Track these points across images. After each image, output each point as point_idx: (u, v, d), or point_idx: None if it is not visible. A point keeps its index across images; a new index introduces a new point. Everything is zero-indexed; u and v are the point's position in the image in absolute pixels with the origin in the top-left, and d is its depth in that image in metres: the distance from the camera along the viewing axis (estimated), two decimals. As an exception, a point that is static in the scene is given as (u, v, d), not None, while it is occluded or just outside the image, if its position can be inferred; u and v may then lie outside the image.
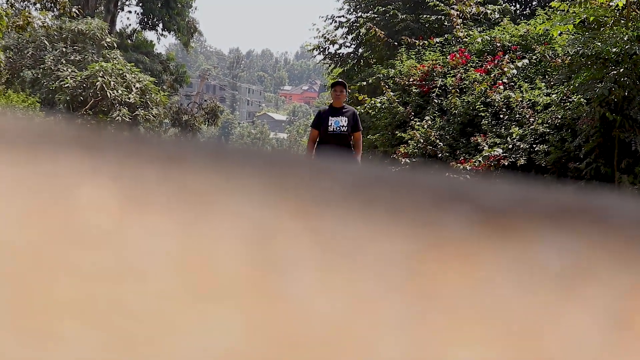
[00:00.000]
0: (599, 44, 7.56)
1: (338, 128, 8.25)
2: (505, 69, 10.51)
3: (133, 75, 19.52)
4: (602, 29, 8.00)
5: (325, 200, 0.38)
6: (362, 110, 11.99)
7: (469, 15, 12.94)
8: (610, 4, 7.69)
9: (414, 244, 0.36)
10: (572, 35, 8.45)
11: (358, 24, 16.17)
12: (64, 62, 19.71)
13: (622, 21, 7.95)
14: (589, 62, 7.96)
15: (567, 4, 8.35)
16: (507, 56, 10.83)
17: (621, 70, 7.76)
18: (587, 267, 0.37)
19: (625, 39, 7.55)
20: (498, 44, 11.32)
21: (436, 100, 11.37)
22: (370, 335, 0.34)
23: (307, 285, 0.34)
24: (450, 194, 0.40)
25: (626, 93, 7.85)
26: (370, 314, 0.34)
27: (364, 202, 0.38)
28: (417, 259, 0.36)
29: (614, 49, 7.50)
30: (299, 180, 0.40)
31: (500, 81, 10.41)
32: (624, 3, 7.53)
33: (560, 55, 9.68)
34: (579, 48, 7.74)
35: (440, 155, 10.47)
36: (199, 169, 0.39)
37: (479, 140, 9.82)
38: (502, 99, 10.06)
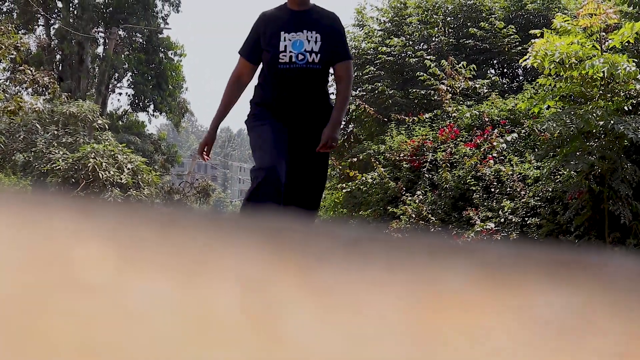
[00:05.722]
0: (583, 117, 7.64)
1: (301, 57, 3.97)
2: (495, 143, 10.60)
3: (125, 156, 19.63)
4: (587, 103, 8.09)
5: (321, 256, 0.38)
6: (354, 187, 12.03)
7: (458, 90, 13.11)
8: (594, 77, 7.80)
9: (411, 294, 0.36)
10: (560, 109, 8.54)
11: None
12: (55, 144, 19.82)
13: (609, 95, 8.06)
14: (574, 135, 8.02)
15: (553, 79, 8.46)
16: (496, 130, 10.93)
17: (603, 142, 7.84)
18: (585, 318, 0.37)
19: (608, 112, 7.64)
20: (487, 119, 11.44)
21: (427, 175, 11.43)
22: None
23: (304, 330, 0.34)
24: (447, 250, 0.40)
25: (610, 165, 7.91)
26: (367, 357, 0.34)
27: (362, 259, 0.38)
28: (413, 308, 0.36)
29: (600, 122, 7.58)
30: (294, 239, 0.40)
31: (490, 155, 10.49)
32: (604, 75, 7.61)
33: (548, 128, 9.78)
34: (563, 123, 7.80)
35: (432, 229, 10.47)
36: (196, 230, 0.39)
37: (471, 214, 9.84)
38: (493, 173, 10.13)
